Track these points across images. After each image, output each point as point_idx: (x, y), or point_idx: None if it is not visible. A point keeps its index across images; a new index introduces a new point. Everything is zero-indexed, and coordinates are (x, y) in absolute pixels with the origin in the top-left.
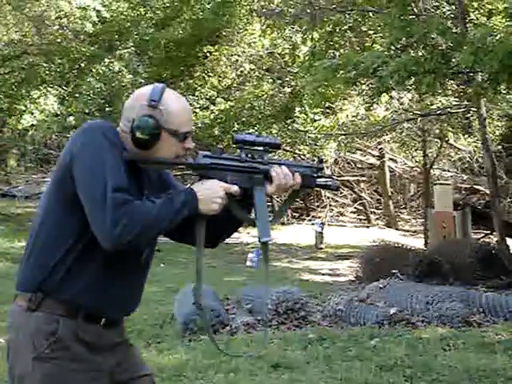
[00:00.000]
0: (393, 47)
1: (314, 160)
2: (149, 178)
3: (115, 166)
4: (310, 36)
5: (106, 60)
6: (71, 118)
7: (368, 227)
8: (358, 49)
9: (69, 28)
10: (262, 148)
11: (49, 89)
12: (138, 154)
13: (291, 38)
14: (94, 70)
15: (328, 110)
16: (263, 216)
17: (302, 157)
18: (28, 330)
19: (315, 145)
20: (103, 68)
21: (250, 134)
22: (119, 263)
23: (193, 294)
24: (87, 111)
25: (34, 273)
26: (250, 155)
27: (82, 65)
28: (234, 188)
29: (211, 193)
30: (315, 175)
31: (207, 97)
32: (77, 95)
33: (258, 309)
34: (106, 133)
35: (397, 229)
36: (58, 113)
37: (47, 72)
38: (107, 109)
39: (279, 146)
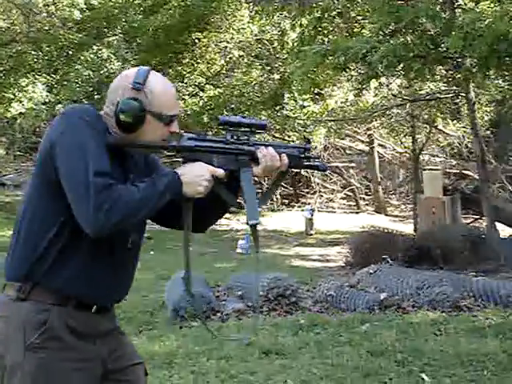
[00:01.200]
0: (381, 32)
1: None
2: (135, 162)
3: (96, 150)
4: (299, 22)
5: (94, 47)
6: (60, 105)
7: (357, 213)
8: (347, 34)
9: (56, 15)
10: (247, 129)
11: (37, 77)
12: (123, 137)
13: (280, 24)
14: (82, 58)
15: (317, 96)
16: (251, 198)
17: (292, 143)
18: (18, 320)
19: (304, 131)
20: (91, 55)
21: (235, 115)
22: (106, 249)
23: (182, 280)
24: (76, 99)
25: (22, 262)
26: (235, 137)
27: (70, 52)
28: (220, 171)
29: (196, 175)
30: (302, 156)
31: (196, 84)
32: (65, 83)
33: (249, 294)
34: (86, 117)
35: (386, 214)
36: (47, 101)
37: (35, 60)
38: (96, 96)
39: (265, 127)
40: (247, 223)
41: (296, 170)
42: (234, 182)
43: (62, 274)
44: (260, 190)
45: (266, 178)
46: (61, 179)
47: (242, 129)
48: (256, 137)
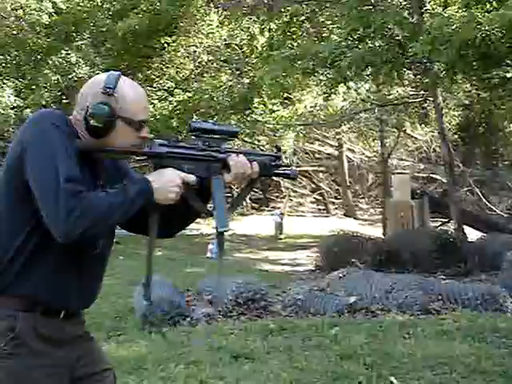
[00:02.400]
0: (350, 38)
1: (272, 149)
2: (105, 168)
3: (66, 155)
4: (268, 27)
5: (63, 52)
6: (28, 110)
7: (327, 217)
8: (316, 39)
9: (25, 20)
10: (219, 136)
11: (5, 81)
12: (92, 142)
13: (249, 28)
14: (50, 62)
15: (286, 101)
16: (221, 205)
17: (261, 147)
18: None
19: (274, 135)
20: (60, 60)
21: (206, 121)
22: (75, 255)
23: (142, 286)
24: (44, 103)
25: None
26: (206, 143)
27: (39, 57)
28: (191, 177)
29: (167, 182)
30: (273, 164)
31: (165, 88)
32: (33, 87)
33: (217, 299)
34: (55, 121)
35: (355, 218)
36: (15, 105)
37: (3, 64)
38: (64, 101)
39: (237, 134)
40: (216, 230)
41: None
42: (205, 188)
43: (29, 281)
44: (229, 195)
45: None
46: (30, 184)
47: (214, 135)
48: (227, 144)
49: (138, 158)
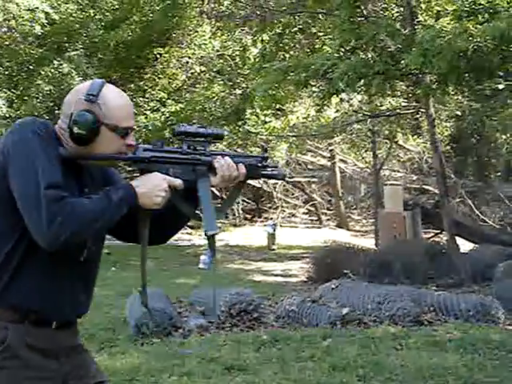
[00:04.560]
0: (342, 49)
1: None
2: (91, 176)
3: (47, 162)
4: (260, 38)
5: (55, 62)
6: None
7: (319, 228)
8: (308, 51)
9: (17, 30)
10: (204, 139)
11: None
12: (76, 150)
13: (241, 39)
14: (42, 73)
15: (279, 112)
16: (208, 208)
17: (249, 153)
18: None
19: (267, 146)
20: (52, 70)
21: (191, 125)
22: (63, 263)
23: (138, 293)
24: (36, 114)
25: None
26: (192, 147)
27: (31, 67)
28: (177, 181)
29: (153, 186)
30: (260, 165)
31: (157, 99)
32: (26, 98)
33: (210, 311)
34: (36, 129)
35: (348, 229)
36: (7, 116)
37: None
38: (56, 111)
39: (222, 137)
40: (205, 233)
41: (255, 183)
42: (192, 192)
43: (18, 291)
44: (219, 203)
45: (224, 191)
46: (13, 192)
47: (199, 139)
48: (213, 147)
49: (124, 164)
